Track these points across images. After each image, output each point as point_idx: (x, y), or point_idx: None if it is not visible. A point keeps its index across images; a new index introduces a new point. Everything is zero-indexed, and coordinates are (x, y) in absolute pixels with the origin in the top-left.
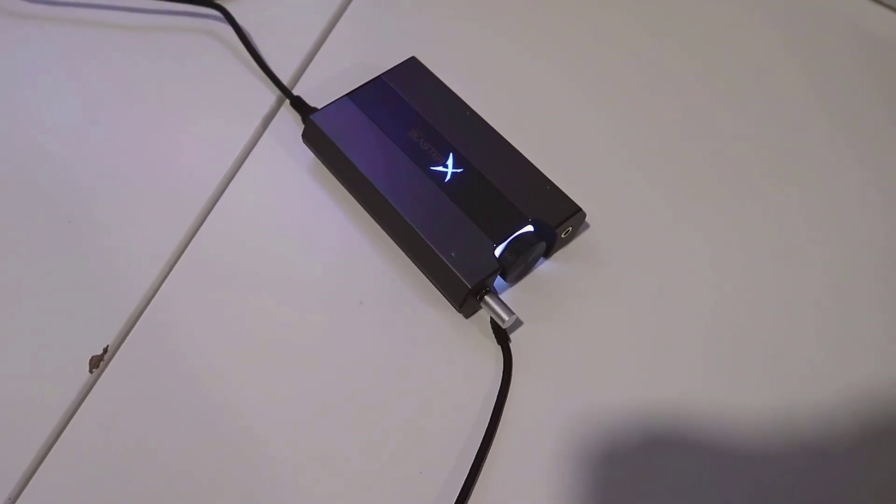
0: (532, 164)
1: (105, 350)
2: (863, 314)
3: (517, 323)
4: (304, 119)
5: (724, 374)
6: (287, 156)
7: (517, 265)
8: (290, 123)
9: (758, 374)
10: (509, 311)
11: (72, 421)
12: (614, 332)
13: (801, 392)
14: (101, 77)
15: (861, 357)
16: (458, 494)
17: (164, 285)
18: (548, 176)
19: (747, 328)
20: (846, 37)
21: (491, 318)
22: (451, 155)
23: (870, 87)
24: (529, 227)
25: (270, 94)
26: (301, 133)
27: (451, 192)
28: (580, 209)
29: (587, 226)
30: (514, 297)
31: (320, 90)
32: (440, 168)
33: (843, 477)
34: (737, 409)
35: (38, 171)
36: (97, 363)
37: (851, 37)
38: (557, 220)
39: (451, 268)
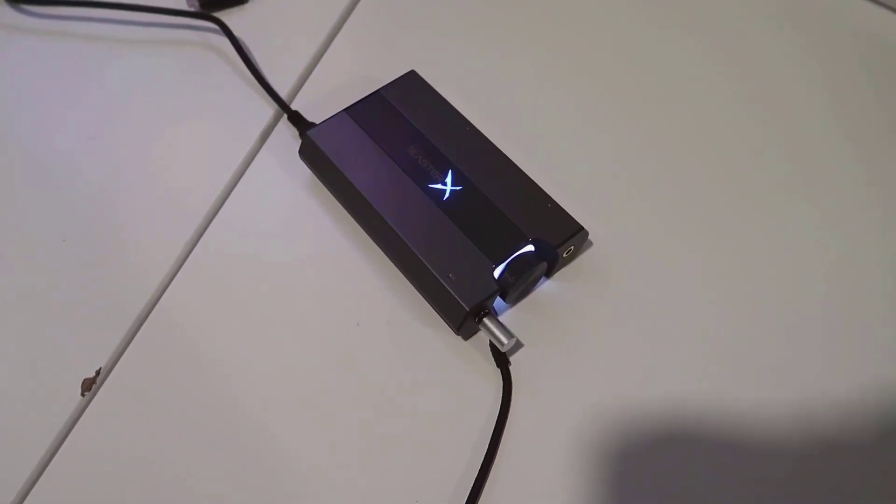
0: (533, 182)
1: (98, 373)
2: (873, 310)
3: (517, 345)
4: (301, 135)
5: (731, 396)
6: (284, 172)
7: (517, 286)
8: (287, 138)
9: (766, 398)
10: (509, 335)
11: (63, 446)
12: (618, 354)
13: (812, 395)
14: (97, 91)
15: (872, 353)
16: None
17: (157, 306)
18: (550, 193)
19: (756, 347)
20: (854, 43)
21: (490, 340)
22: (450, 172)
23: (877, 95)
24: (530, 247)
25: (268, 109)
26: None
27: (449, 211)
28: (582, 228)
29: (590, 244)
30: (514, 318)
31: (319, 104)
32: (439, 186)
33: (858, 472)
34: (746, 435)
35: (34, 188)
36: (89, 386)
37: (859, 43)
38: (559, 239)
39: (449, 289)
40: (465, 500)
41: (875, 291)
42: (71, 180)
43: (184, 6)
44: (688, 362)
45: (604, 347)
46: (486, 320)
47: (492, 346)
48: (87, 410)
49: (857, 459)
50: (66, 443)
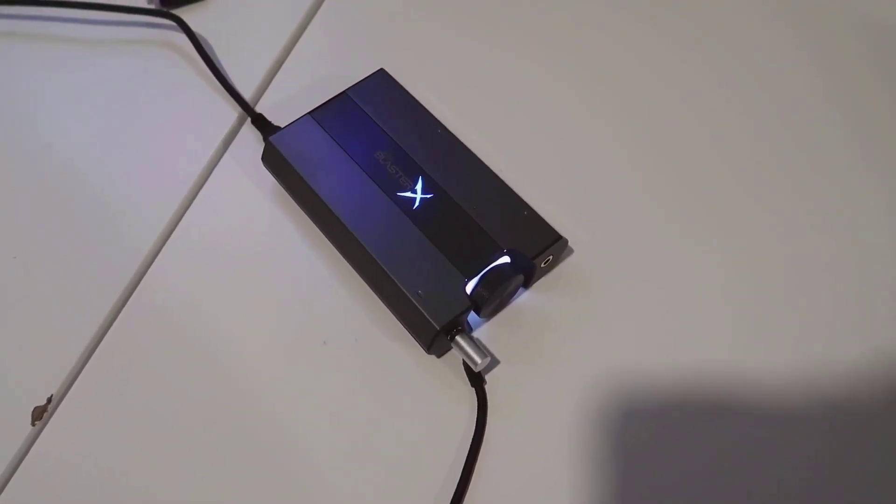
0: (509, 188)
1: (49, 400)
2: (882, 277)
3: (493, 362)
4: (264, 139)
5: (719, 419)
6: (248, 180)
7: (491, 301)
8: (252, 143)
9: (772, 401)
10: (482, 354)
11: (11, 480)
12: (601, 370)
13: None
14: (52, 96)
15: (881, 320)
16: None
17: (113, 327)
18: (527, 199)
19: (753, 360)
20: (859, 33)
21: (463, 359)
22: (420, 179)
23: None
24: (505, 259)
25: (232, 112)
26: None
27: (419, 221)
28: (560, 237)
29: (571, 251)
30: (489, 333)
31: (285, 106)
32: (408, 194)
33: (868, 438)
34: (745, 442)
35: None
36: (40, 415)
37: (864, 32)
38: (536, 250)
39: (419, 307)
40: None
41: (884, 259)
42: (24, 191)
43: (142, 3)
44: (677, 377)
45: (585, 363)
46: (458, 338)
47: (465, 364)
48: (37, 441)
49: (867, 425)
50: (14, 476)
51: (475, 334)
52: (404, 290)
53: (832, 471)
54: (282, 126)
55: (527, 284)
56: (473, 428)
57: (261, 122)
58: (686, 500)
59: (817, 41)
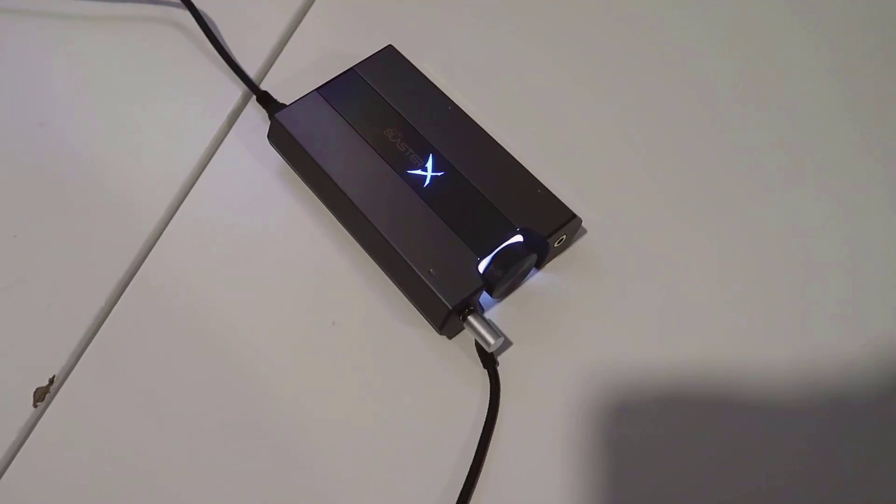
0: (521, 166)
1: (51, 381)
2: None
3: (506, 343)
4: (270, 117)
5: (734, 399)
6: (254, 158)
7: (504, 280)
8: (257, 121)
9: (777, 393)
10: (495, 334)
11: (14, 461)
12: (614, 352)
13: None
14: (50, 72)
15: (883, 310)
16: None
17: (116, 308)
18: (540, 177)
19: (764, 341)
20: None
21: (476, 340)
22: (430, 156)
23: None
24: (518, 238)
25: (236, 89)
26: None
27: (430, 199)
28: (575, 216)
29: (584, 231)
30: (502, 313)
31: (291, 83)
32: (418, 171)
33: (867, 429)
34: (752, 437)
35: None
36: (42, 395)
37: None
38: (549, 229)
39: (430, 286)
40: None
41: (883, 252)
42: (24, 170)
43: None
44: (691, 359)
45: (598, 344)
46: (470, 318)
47: (478, 345)
48: (39, 422)
49: (865, 416)
50: (16, 458)
51: (487, 315)
52: (415, 270)
53: (830, 463)
54: (287, 104)
55: (539, 265)
56: (486, 409)
57: (266, 100)
58: (694, 483)
59: (831, 33)
